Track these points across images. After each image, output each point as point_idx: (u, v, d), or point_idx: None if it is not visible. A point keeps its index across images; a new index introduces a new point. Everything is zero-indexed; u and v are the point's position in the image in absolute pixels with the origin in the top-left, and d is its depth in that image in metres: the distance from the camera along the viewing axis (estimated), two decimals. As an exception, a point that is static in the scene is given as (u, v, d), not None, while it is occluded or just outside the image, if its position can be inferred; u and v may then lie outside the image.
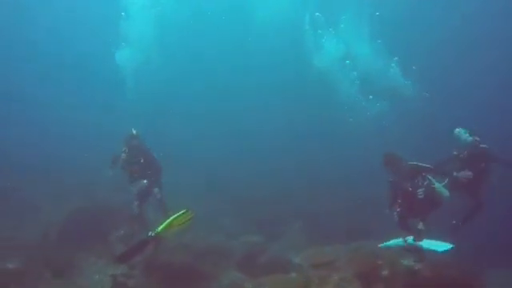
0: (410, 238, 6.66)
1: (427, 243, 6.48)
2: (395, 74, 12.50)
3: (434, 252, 6.35)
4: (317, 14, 13.40)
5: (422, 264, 5.77)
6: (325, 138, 18.37)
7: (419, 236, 6.50)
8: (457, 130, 7.90)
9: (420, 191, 6.41)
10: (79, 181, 12.08)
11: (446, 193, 6.69)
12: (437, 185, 6.65)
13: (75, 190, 10.91)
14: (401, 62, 12.70)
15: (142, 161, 7.66)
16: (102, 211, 9.05)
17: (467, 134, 7.69)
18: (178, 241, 8.27)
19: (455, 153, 7.88)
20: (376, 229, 8.68)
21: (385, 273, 5.64)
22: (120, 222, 8.95)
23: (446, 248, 6.35)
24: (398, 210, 6.60)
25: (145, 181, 7.62)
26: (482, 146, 7.68)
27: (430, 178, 6.61)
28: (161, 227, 6.46)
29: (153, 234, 6.41)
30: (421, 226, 6.55)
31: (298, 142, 18.44)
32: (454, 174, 7.36)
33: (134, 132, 7.67)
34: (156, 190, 7.78)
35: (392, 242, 6.99)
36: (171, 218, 6.48)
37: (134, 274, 7.19)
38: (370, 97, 12.52)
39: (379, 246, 7.08)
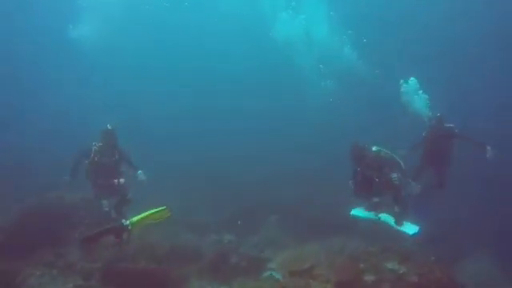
0: (383, 215, 6.98)
1: (395, 224, 6.76)
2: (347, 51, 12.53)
3: (404, 233, 6.65)
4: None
5: (406, 268, 5.26)
6: (299, 125, 17.88)
7: (398, 218, 6.77)
8: (402, 81, 8.37)
9: (395, 177, 6.67)
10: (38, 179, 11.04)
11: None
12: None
13: (32, 189, 9.86)
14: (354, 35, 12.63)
15: (116, 157, 7.37)
16: (55, 213, 8.10)
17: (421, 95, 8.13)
18: (143, 242, 7.58)
19: (424, 134, 8.10)
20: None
21: (368, 279, 5.10)
22: (76, 225, 8.12)
23: (414, 231, 6.65)
24: (353, 187, 6.99)
25: (121, 179, 7.35)
26: (447, 125, 7.90)
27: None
28: (136, 218, 6.28)
29: (127, 223, 6.17)
30: (397, 209, 6.80)
31: (274, 129, 17.93)
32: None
33: (109, 127, 7.34)
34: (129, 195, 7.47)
35: (363, 214, 7.24)
36: (149, 213, 6.32)
37: (90, 286, 6.39)
38: (321, 66, 12.66)
39: (350, 213, 7.34)
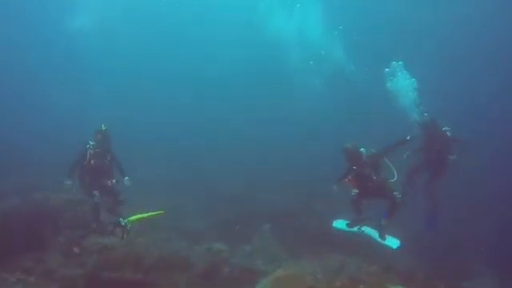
0: (367, 228, 7.31)
1: (379, 237, 7.12)
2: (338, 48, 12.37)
3: (386, 246, 6.99)
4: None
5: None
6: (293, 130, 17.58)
7: (382, 232, 7.13)
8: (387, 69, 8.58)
9: (398, 195, 6.94)
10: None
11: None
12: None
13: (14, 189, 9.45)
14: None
15: (108, 158, 7.51)
16: (38, 215, 7.65)
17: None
18: (130, 249, 7.19)
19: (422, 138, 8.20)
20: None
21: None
22: (61, 228, 7.70)
23: (396, 245, 6.97)
24: (357, 191, 7.05)
25: (114, 180, 7.55)
26: (444, 129, 8.04)
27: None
28: (133, 218, 6.81)
29: (125, 222, 6.69)
30: (383, 221, 7.11)
31: (270, 135, 17.60)
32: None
33: (104, 128, 7.43)
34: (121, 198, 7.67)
35: (345, 227, 7.56)
36: (146, 215, 6.94)
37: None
38: (311, 62, 12.60)
39: (332, 226, 7.73)
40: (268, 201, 11.43)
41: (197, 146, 16.22)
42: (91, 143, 7.37)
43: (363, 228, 7.36)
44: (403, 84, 8.62)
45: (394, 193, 6.99)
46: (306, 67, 12.81)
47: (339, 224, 7.78)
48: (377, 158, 7.13)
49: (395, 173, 7.17)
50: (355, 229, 7.41)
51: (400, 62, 8.75)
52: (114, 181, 7.51)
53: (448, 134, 8.02)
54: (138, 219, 6.90)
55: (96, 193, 7.33)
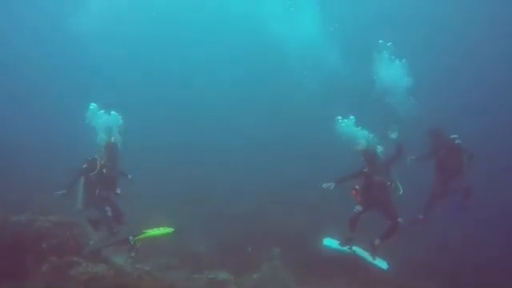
0: (357, 248, 7.30)
1: (369, 257, 7.19)
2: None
3: (376, 267, 7.12)
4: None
5: None
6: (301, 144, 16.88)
7: (373, 252, 7.15)
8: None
9: (401, 220, 6.94)
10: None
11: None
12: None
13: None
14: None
15: (115, 170, 7.56)
16: (20, 238, 6.84)
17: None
18: (120, 281, 6.34)
19: (430, 146, 8.34)
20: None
21: None
22: (45, 254, 6.85)
23: (386, 266, 7.11)
24: (360, 208, 7.02)
25: (118, 190, 7.60)
26: (452, 136, 8.00)
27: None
28: (142, 236, 6.92)
29: (134, 241, 6.81)
30: (377, 241, 7.06)
31: (275, 149, 16.88)
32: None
33: (113, 140, 7.50)
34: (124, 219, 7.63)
35: (336, 246, 7.50)
36: (155, 233, 7.01)
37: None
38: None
39: (322, 244, 7.67)
40: (278, 222, 10.69)
41: (200, 161, 15.54)
42: (96, 156, 7.34)
43: (354, 248, 7.30)
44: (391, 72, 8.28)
45: (399, 219, 6.89)
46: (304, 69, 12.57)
47: (330, 242, 7.69)
48: (389, 165, 7.05)
49: (400, 187, 7.06)
50: (346, 248, 7.33)
51: (389, 43, 8.39)
52: (118, 190, 7.55)
53: (456, 141, 7.91)
54: (146, 237, 6.88)
55: (108, 208, 7.31)
